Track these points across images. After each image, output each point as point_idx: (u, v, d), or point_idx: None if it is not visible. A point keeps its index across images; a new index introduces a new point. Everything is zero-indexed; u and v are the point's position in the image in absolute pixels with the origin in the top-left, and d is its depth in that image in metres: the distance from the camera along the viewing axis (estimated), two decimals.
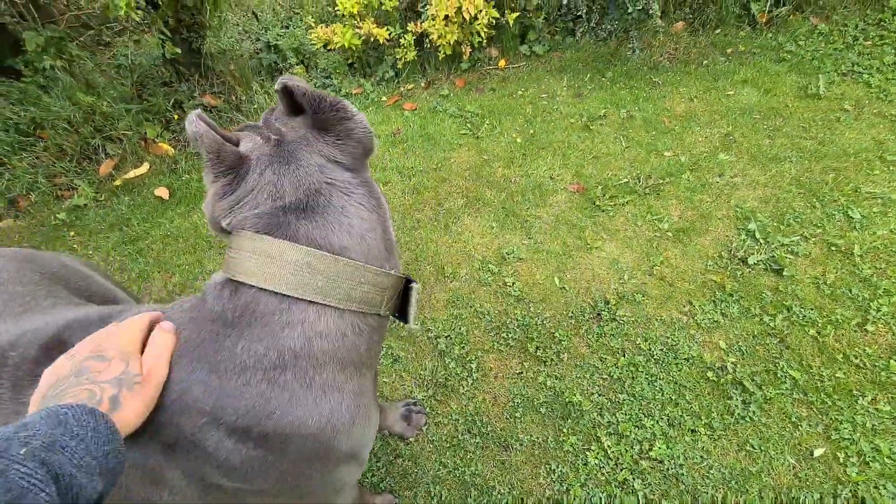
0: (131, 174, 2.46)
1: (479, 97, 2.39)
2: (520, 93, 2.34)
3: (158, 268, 1.95)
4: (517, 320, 1.46)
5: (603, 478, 1.13)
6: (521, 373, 1.35)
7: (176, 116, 2.56)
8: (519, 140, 2.09)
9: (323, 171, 0.55)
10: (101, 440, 0.38)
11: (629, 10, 1.91)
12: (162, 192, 2.29)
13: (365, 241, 0.55)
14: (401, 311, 0.62)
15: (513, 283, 1.56)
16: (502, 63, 2.51)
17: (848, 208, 1.53)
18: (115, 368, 0.46)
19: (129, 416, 0.44)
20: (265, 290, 0.51)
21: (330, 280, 0.52)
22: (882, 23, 2.15)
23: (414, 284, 0.61)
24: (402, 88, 2.57)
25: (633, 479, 1.12)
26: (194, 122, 0.51)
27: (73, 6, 2.69)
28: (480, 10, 2.11)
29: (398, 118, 2.40)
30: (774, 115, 1.90)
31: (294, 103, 0.57)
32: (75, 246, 2.12)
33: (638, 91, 2.18)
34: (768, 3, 2.37)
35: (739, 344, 1.31)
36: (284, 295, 0.51)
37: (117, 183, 2.41)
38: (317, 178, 0.54)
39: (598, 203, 1.75)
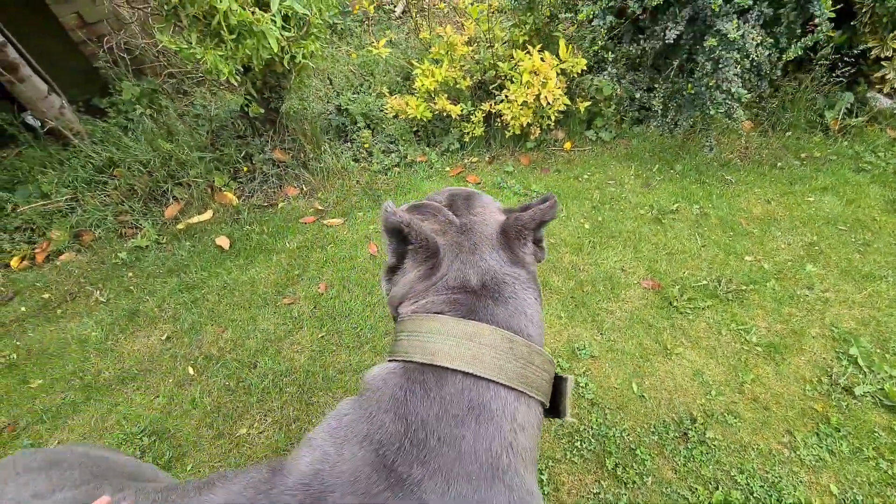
0: (195, 219, 2.50)
1: (544, 176, 2.40)
2: (585, 176, 2.34)
3: (212, 320, 1.92)
4: (592, 429, 1.35)
5: None
6: (599, 493, 1.22)
7: (245, 168, 2.63)
8: (587, 226, 2.05)
9: (503, 262, 0.57)
10: None
11: (711, 112, 1.92)
12: (223, 241, 2.30)
13: (540, 330, 0.57)
14: (551, 405, 0.58)
15: (586, 384, 1.45)
16: (568, 145, 2.54)
17: None
18: None
19: None
20: (473, 375, 0.48)
21: (527, 366, 0.51)
22: None
23: (567, 376, 0.58)
24: (466, 160, 2.61)
25: None
26: (396, 214, 0.53)
27: (164, 60, 2.88)
28: (557, 98, 2.16)
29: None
30: (862, 228, 1.83)
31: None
32: (132, 288, 2.12)
33: (710, 187, 2.14)
34: (841, 112, 2.37)
35: (854, 491, 1.16)
36: (492, 381, 0.49)
37: (180, 227, 2.45)
38: (500, 269, 0.56)
39: (675, 304, 1.66)
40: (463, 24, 2.34)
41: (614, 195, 2.20)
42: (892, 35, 2.14)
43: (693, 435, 1.30)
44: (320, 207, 2.44)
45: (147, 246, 2.35)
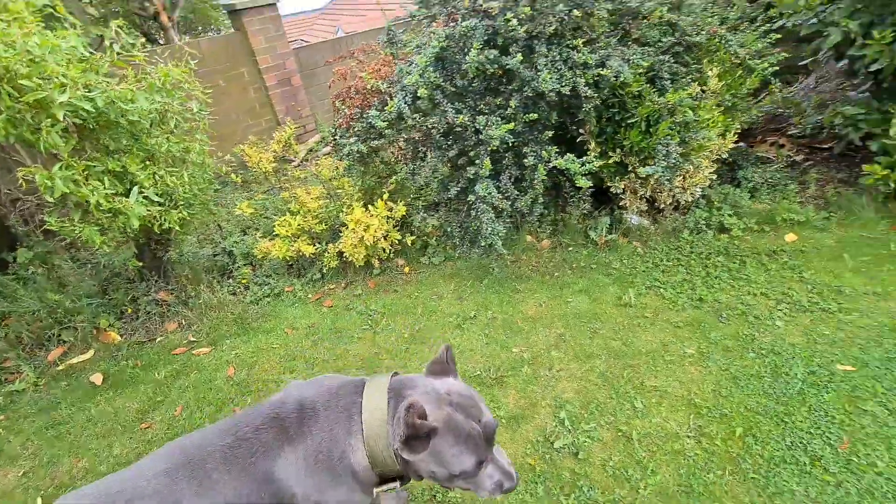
0: (76, 360, 2.80)
1: (385, 297, 2.97)
2: (416, 294, 2.93)
3: (70, 452, 2.16)
4: None
5: None
6: None
7: (129, 310, 3.02)
8: (406, 335, 2.59)
9: None
10: None
11: (482, 244, 2.63)
12: (97, 377, 2.61)
13: None
14: None
15: None
16: (407, 270, 3.18)
17: (634, 399, 1.97)
18: None
19: None
20: None
21: None
22: (678, 249, 2.93)
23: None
24: (325, 288, 3.16)
25: None
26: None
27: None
28: (380, 238, 2.83)
29: (317, 313, 2.91)
30: (596, 319, 2.48)
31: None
32: (1, 430, 2.33)
33: (503, 296, 2.78)
34: (604, 230, 3.20)
35: None
36: None
37: (60, 368, 2.73)
38: None
39: None
40: (311, 190, 3.04)
41: (434, 308, 2.79)
42: (618, 179, 3.05)
43: (448, 495, 1.71)
44: (193, 339, 2.84)
45: (23, 389, 2.60)
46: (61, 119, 1.91)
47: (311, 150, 5.62)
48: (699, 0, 2.75)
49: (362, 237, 2.74)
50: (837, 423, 1.74)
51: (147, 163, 2.45)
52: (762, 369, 2.01)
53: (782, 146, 4.01)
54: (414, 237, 3.08)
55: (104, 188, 2.19)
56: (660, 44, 2.71)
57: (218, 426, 1.12)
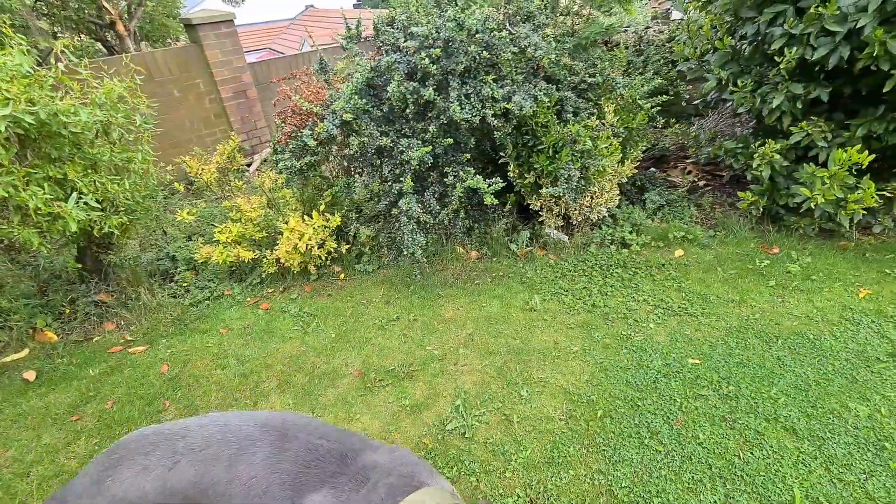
0: (9, 358, 2.88)
1: (319, 301, 3.20)
2: (348, 299, 3.18)
3: None
4: None
5: None
6: None
7: (67, 310, 3.12)
8: (333, 335, 2.82)
9: None
10: None
11: (404, 253, 2.91)
12: (29, 374, 2.71)
13: None
14: None
15: None
16: (342, 276, 3.42)
17: (522, 388, 2.29)
18: None
19: None
20: None
21: None
22: (585, 261, 3.31)
23: None
24: (264, 292, 3.35)
25: None
26: None
27: None
28: (315, 246, 3.07)
29: (253, 315, 3.11)
30: (503, 322, 2.80)
31: None
32: None
33: (426, 300, 3.07)
34: (524, 242, 3.55)
35: None
36: None
37: None
38: None
39: (369, 385, 2.40)
40: (252, 199, 3.26)
41: (362, 311, 3.04)
42: (535, 198, 3.41)
43: None
44: (130, 338, 2.97)
45: None
46: (2, 130, 2.08)
47: (264, 161, 5.79)
48: (598, 50, 3.17)
49: (296, 245, 2.97)
50: (678, 405, 2.10)
51: (89, 171, 2.62)
52: (629, 363, 2.37)
53: (689, 172, 4.53)
54: (349, 246, 3.34)
55: (44, 193, 2.35)
56: (566, 81, 3.12)
57: (322, 428, 1.20)
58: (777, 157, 2.96)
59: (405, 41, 2.63)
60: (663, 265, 3.17)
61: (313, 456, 1.09)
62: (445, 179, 2.96)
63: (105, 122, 2.65)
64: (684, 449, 1.90)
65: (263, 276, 3.37)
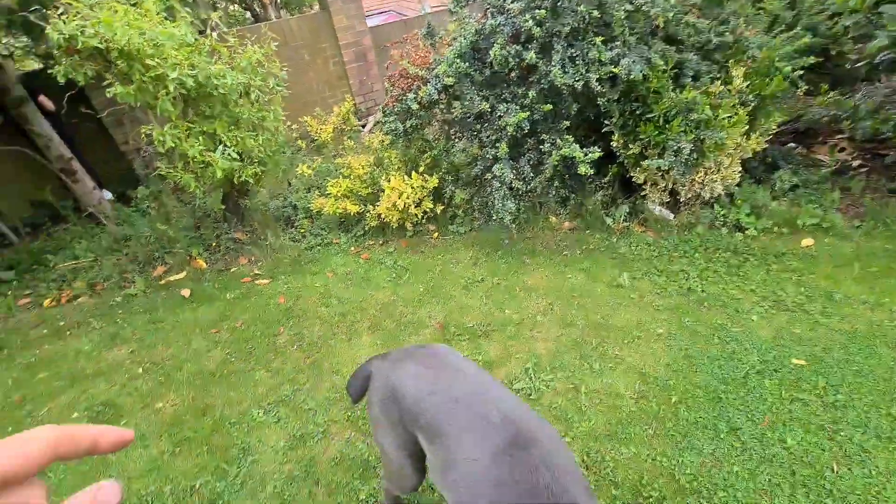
0: (173, 278, 3.60)
1: (412, 256, 3.44)
2: (438, 257, 3.37)
3: (163, 342, 2.92)
4: (365, 407, 2.22)
5: None
6: (350, 438, 2.07)
7: (214, 244, 3.77)
8: (421, 289, 3.04)
9: None
10: None
11: (494, 218, 2.97)
12: (185, 292, 3.37)
13: None
14: None
15: None
16: (435, 235, 3.61)
17: (595, 362, 2.27)
18: None
19: None
20: None
21: None
22: (688, 242, 3.06)
23: None
24: (366, 243, 3.69)
25: None
26: None
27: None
28: (412, 205, 3.27)
29: (355, 263, 3.46)
30: (586, 295, 2.75)
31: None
32: (118, 320, 3.16)
33: (511, 266, 3.13)
34: (622, 217, 3.38)
35: None
36: None
37: (162, 282, 3.54)
38: None
39: (448, 337, 2.58)
40: (360, 158, 3.55)
41: (450, 270, 3.21)
42: (639, 170, 3.21)
43: None
44: (257, 272, 3.52)
45: (136, 294, 3.43)
46: (172, 90, 2.54)
47: (377, 123, 6.16)
48: (737, 3, 2.78)
49: (395, 202, 3.20)
50: (767, 405, 1.93)
51: (232, 127, 3.08)
52: (719, 353, 2.21)
53: (842, 150, 3.85)
54: (444, 207, 3.50)
55: (199, 145, 2.84)
56: (689, 42, 2.81)
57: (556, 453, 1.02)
58: None
59: (511, 2, 2.59)
60: (783, 254, 2.81)
61: (532, 486, 0.92)
62: (542, 147, 2.92)
63: (246, 85, 3.07)
64: (766, 450, 1.76)
65: (366, 228, 3.69)
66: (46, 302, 3.51)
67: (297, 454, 2.04)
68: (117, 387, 2.59)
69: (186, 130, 2.82)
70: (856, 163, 3.68)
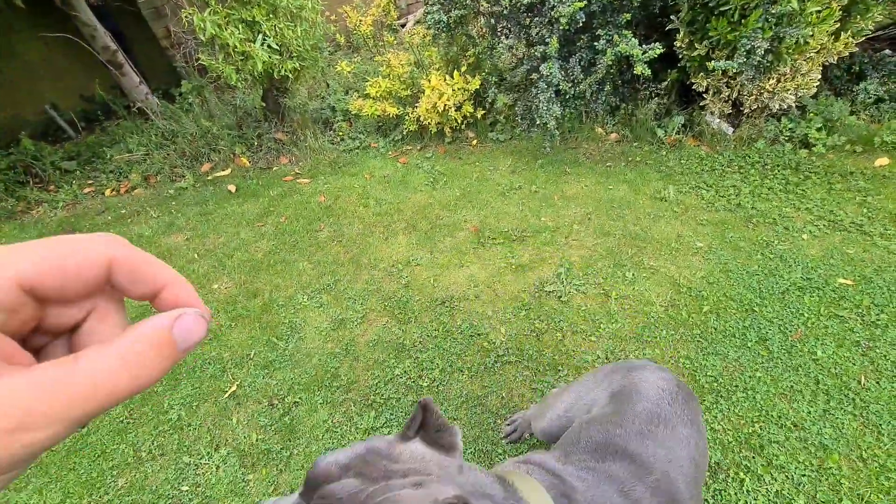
0: (220, 173, 3.73)
1: (450, 162, 3.40)
2: (476, 164, 3.31)
3: (214, 231, 3.10)
4: (400, 298, 2.35)
5: None
6: (386, 324, 2.23)
7: (255, 142, 3.83)
8: (458, 193, 3.04)
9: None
10: None
11: (537, 123, 2.84)
12: (231, 187, 3.50)
13: None
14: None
15: (406, 279, 2.46)
16: (474, 142, 3.52)
17: (629, 271, 2.27)
18: None
19: None
20: None
21: None
22: (745, 157, 2.86)
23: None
24: (404, 148, 3.65)
25: None
26: None
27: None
28: (452, 108, 3.16)
29: (392, 167, 3.46)
30: (627, 207, 2.68)
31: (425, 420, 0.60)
32: (172, 211, 3.36)
33: (551, 175, 3.05)
34: (675, 129, 3.17)
35: (513, 332, 2.09)
36: None
37: (209, 178, 3.68)
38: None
39: (482, 241, 2.62)
40: (400, 55, 3.38)
41: (487, 177, 3.16)
42: (700, 75, 2.94)
43: (447, 305, 2.28)
44: (298, 171, 3.59)
45: (186, 187, 3.60)
46: None
47: (417, 22, 5.77)
48: None
49: (435, 104, 3.09)
50: (803, 319, 1.91)
51: (270, 16, 2.97)
52: (760, 269, 2.16)
53: None
54: (485, 112, 3.36)
55: (239, 33, 2.77)
56: None
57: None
58: None
59: None
60: (851, 173, 2.60)
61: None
62: (596, 44, 2.69)
63: None
64: (793, 360, 1.78)
65: (405, 132, 3.63)
66: (108, 192, 3.75)
67: (338, 335, 2.22)
68: (177, 268, 2.81)
69: (226, 17, 2.74)
70: None
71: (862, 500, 1.39)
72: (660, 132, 3.16)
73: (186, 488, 1.71)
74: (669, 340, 1.94)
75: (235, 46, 2.79)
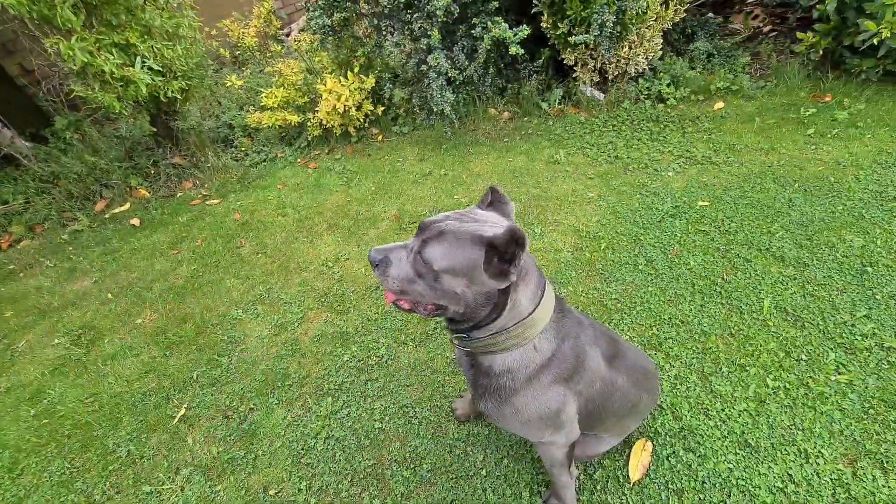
0: (117, 210, 3.52)
1: (360, 160, 3.50)
2: (385, 158, 3.45)
3: (125, 269, 2.95)
4: (336, 292, 2.44)
5: None
6: (326, 318, 2.31)
7: (152, 171, 3.66)
8: (373, 188, 3.17)
9: None
10: None
11: (435, 111, 3.05)
12: (135, 221, 3.33)
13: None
14: None
15: (339, 274, 2.55)
16: (380, 138, 3.66)
17: (537, 227, 2.56)
18: None
19: None
20: None
21: None
22: (616, 117, 3.29)
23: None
24: (312, 153, 3.69)
25: None
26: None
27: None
28: (353, 108, 3.27)
29: (304, 174, 3.49)
30: (527, 174, 2.98)
31: (493, 198, 1.06)
32: (72, 256, 3.13)
33: (457, 158, 3.28)
34: (556, 101, 3.54)
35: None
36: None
37: (107, 216, 3.46)
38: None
39: (404, 226, 2.78)
40: (291, 63, 3.42)
41: (398, 168, 3.32)
42: (567, 51, 3.31)
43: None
44: (205, 193, 3.49)
45: (82, 230, 3.36)
46: None
47: (301, 30, 5.75)
48: None
49: (335, 105, 3.19)
50: (677, 239, 2.30)
51: (146, 37, 2.87)
52: (640, 206, 2.55)
53: (755, 17, 4.07)
54: (384, 108, 3.51)
55: (114, 58, 2.66)
56: None
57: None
58: None
59: None
60: (698, 118, 3.11)
61: None
62: (473, 32, 2.94)
63: None
64: (674, 272, 2.15)
65: (310, 139, 3.67)
66: None
67: (280, 338, 2.26)
68: (90, 312, 2.66)
69: (96, 43, 2.62)
70: (766, 28, 3.94)
71: (735, 364, 1.75)
72: (544, 105, 3.52)
73: None
74: (579, 278, 2.24)
75: (112, 72, 2.67)
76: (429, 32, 2.86)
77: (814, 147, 2.66)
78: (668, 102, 3.28)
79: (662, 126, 3.10)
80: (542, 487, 1.53)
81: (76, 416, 2.08)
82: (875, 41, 2.61)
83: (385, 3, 2.93)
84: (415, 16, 3.01)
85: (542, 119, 3.50)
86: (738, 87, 3.24)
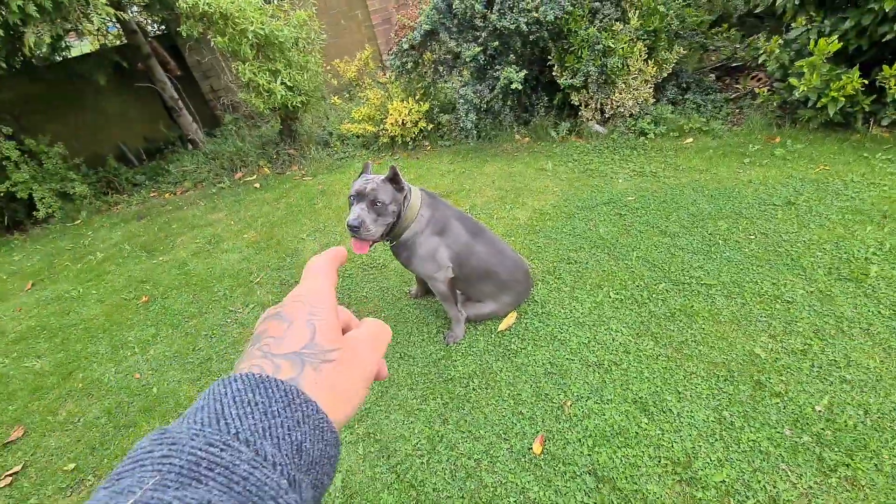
0: (248, 178, 5.19)
1: (410, 161, 4.81)
2: (427, 160, 4.72)
3: (245, 209, 4.49)
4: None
5: None
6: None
7: (274, 156, 5.33)
8: (412, 176, 4.42)
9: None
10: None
11: (461, 127, 4.25)
12: (257, 185, 4.94)
13: None
14: None
15: None
16: (428, 148, 4.95)
17: (512, 207, 3.56)
18: (297, 336, 0.35)
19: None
20: None
21: None
22: (606, 145, 4.21)
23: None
24: (380, 155, 5.10)
25: None
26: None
27: (246, 106, 5.76)
28: (408, 122, 4.62)
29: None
30: (519, 176, 4.02)
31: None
32: (215, 200, 4.78)
33: (475, 163, 4.43)
34: (564, 131, 4.56)
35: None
36: None
37: (241, 182, 5.14)
38: None
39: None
40: (376, 90, 4.92)
41: (432, 166, 4.56)
42: (577, 96, 4.36)
43: None
44: (303, 173, 5.04)
45: (224, 187, 5.06)
46: (250, 38, 3.99)
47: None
48: None
49: (396, 119, 4.56)
50: (600, 217, 3.16)
51: (287, 67, 4.53)
52: (585, 197, 3.44)
53: (760, 80, 4.79)
54: (433, 126, 4.82)
55: (266, 77, 4.31)
56: None
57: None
58: (778, 51, 3.40)
59: None
60: (665, 148, 3.93)
61: None
62: (495, 73, 4.16)
63: (296, 37, 4.49)
64: (585, 235, 3.02)
65: (380, 145, 5.09)
66: (167, 195, 5.21)
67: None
68: (220, 229, 4.19)
69: (258, 67, 4.29)
70: (765, 90, 4.63)
71: (596, 285, 2.59)
72: (554, 133, 4.56)
73: None
74: (525, 234, 3.20)
75: (264, 86, 4.32)
76: (461, 73, 4.12)
77: (740, 170, 3.36)
78: (648, 136, 4.13)
79: (632, 152, 3.96)
80: (446, 328, 2.52)
81: (202, 276, 3.50)
82: (796, 95, 3.31)
83: (441, 53, 4.28)
84: (457, 62, 4.31)
85: (549, 143, 4.53)
86: (708, 129, 4.00)
